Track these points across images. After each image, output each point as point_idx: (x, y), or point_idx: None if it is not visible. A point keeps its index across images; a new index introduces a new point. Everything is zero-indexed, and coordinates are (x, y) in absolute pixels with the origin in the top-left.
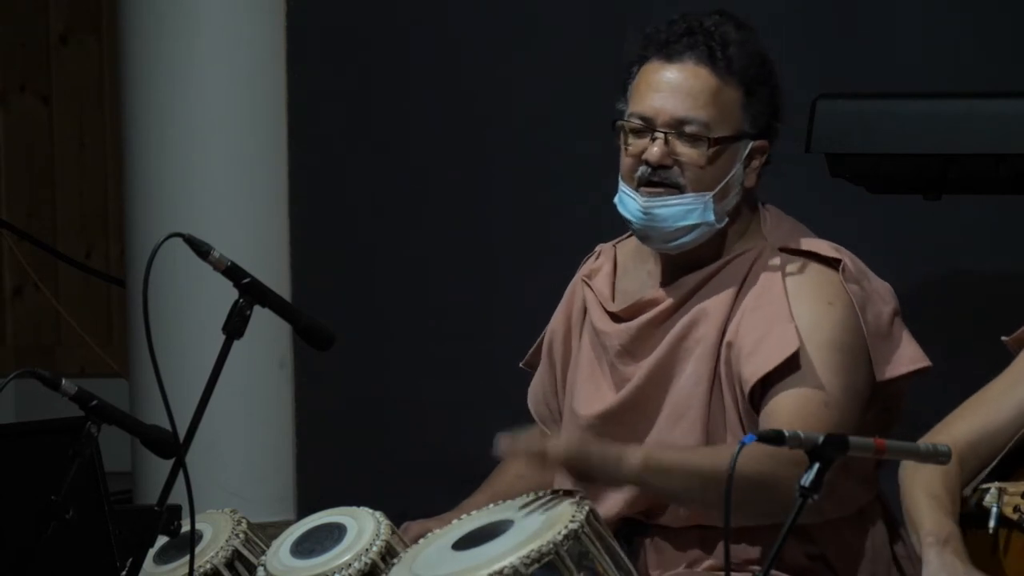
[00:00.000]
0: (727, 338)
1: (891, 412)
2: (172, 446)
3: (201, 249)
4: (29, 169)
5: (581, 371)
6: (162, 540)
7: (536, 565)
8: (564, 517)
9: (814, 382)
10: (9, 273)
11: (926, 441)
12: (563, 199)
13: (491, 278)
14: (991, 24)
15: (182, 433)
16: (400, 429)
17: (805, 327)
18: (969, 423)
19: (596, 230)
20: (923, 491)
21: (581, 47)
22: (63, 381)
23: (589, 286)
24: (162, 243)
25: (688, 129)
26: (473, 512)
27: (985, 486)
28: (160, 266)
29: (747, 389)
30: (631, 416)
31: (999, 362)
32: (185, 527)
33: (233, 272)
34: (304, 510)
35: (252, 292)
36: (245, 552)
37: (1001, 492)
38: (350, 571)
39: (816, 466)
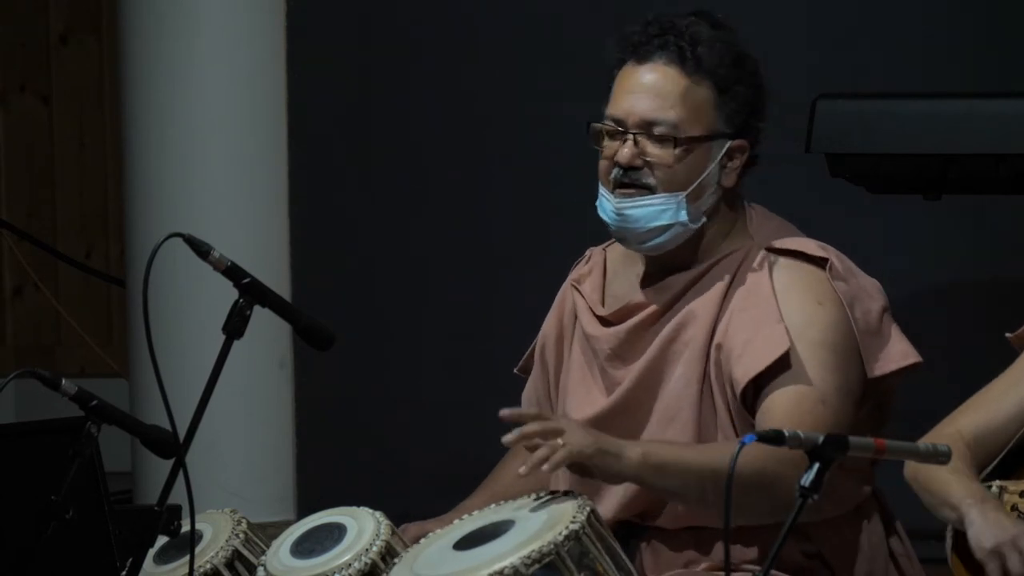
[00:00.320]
0: (716, 340)
1: (883, 409)
2: (172, 446)
3: (201, 249)
4: (29, 169)
5: (572, 375)
6: (162, 540)
7: (537, 565)
8: (565, 517)
9: (808, 381)
10: (9, 273)
11: (929, 439)
12: (563, 199)
13: (491, 278)
14: (991, 24)
15: (182, 433)
16: (400, 429)
17: (795, 327)
18: (971, 420)
19: (596, 230)
20: (944, 469)
21: (581, 47)
22: (63, 381)
23: (578, 291)
24: (162, 243)
25: (657, 130)
26: (474, 512)
27: (986, 484)
28: (160, 266)
29: (739, 390)
30: (622, 420)
31: (999, 362)
32: (185, 527)
33: (233, 272)
34: (304, 510)
35: (252, 292)
36: (245, 552)
37: (1002, 490)
38: (350, 571)
39: (816, 466)
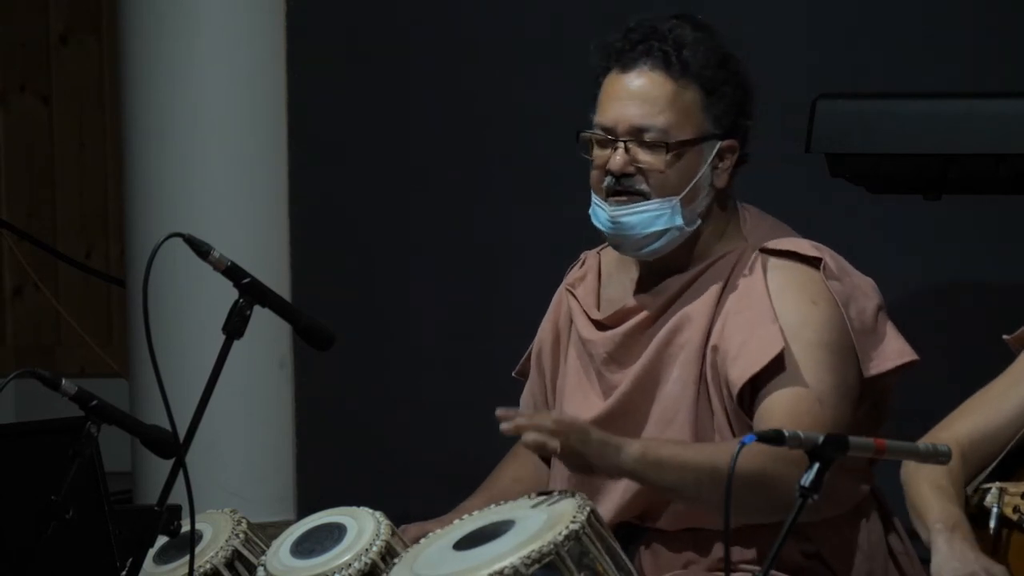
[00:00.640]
0: (712, 342)
1: (880, 408)
2: (172, 446)
3: (201, 249)
4: (29, 169)
5: (569, 380)
6: (162, 540)
7: (537, 565)
8: (565, 517)
9: (805, 381)
10: (9, 273)
11: (927, 440)
12: (563, 199)
13: (491, 278)
14: (991, 24)
15: (182, 433)
16: (400, 429)
17: (790, 327)
18: (970, 422)
19: (595, 230)
20: (928, 483)
21: (581, 47)
22: (63, 381)
23: (573, 295)
24: (162, 243)
25: (647, 136)
26: (474, 512)
27: (986, 486)
28: (160, 266)
29: (735, 392)
30: (620, 423)
31: (999, 362)
32: (185, 527)
33: (233, 272)
34: (304, 510)
35: (252, 292)
36: (245, 552)
37: (1002, 492)
38: (350, 571)
39: (816, 466)
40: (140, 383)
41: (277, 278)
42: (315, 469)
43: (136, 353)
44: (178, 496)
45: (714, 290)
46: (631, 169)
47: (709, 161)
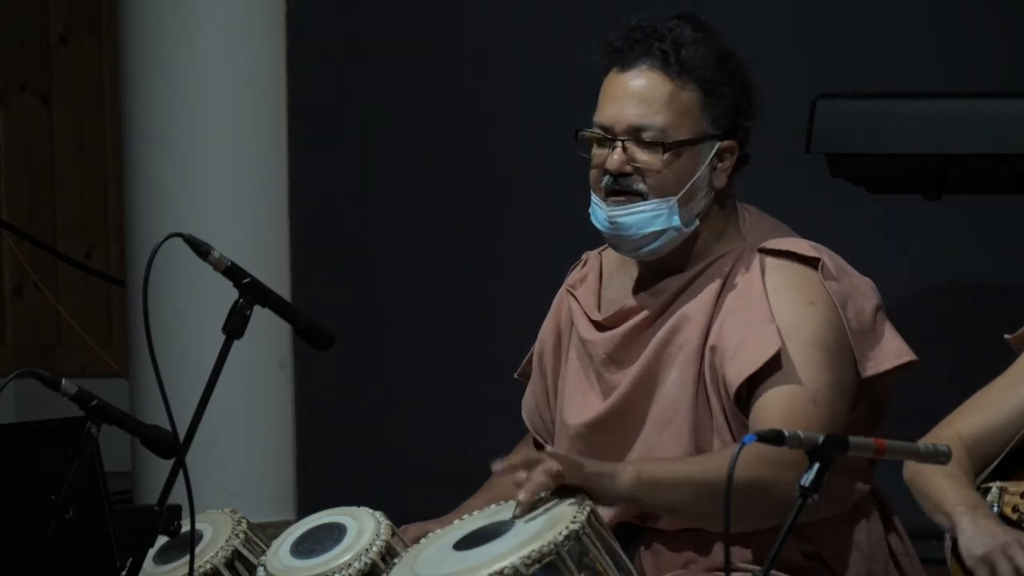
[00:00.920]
0: (710, 341)
1: (879, 408)
2: (172, 446)
3: (201, 249)
4: (29, 169)
5: (569, 381)
6: (162, 540)
7: (537, 565)
8: (565, 518)
9: (800, 381)
10: (9, 273)
11: (928, 439)
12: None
13: (491, 278)
14: (991, 24)
15: (182, 433)
16: (400, 429)
17: (787, 327)
18: (971, 421)
19: (596, 230)
20: (939, 472)
21: (581, 47)
22: (63, 381)
23: (574, 296)
24: (162, 243)
25: (645, 136)
26: (475, 512)
27: (986, 485)
28: (160, 266)
29: (732, 391)
30: (619, 424)
31: (1000, 362)
32: (185, 527)
33: (233, 272)
34: (304, 510)
35: (252, 292)
36: (245, 552)
37: (1002, 492)
38: (350, 571)
39: (816, 466)
40: (140, 383)
41: (277, 278)
42: (315, 469)
43: (136, 353)
44: (178, 496)
45: (713, 290)
46: (628, 168)
47: (707, 162)
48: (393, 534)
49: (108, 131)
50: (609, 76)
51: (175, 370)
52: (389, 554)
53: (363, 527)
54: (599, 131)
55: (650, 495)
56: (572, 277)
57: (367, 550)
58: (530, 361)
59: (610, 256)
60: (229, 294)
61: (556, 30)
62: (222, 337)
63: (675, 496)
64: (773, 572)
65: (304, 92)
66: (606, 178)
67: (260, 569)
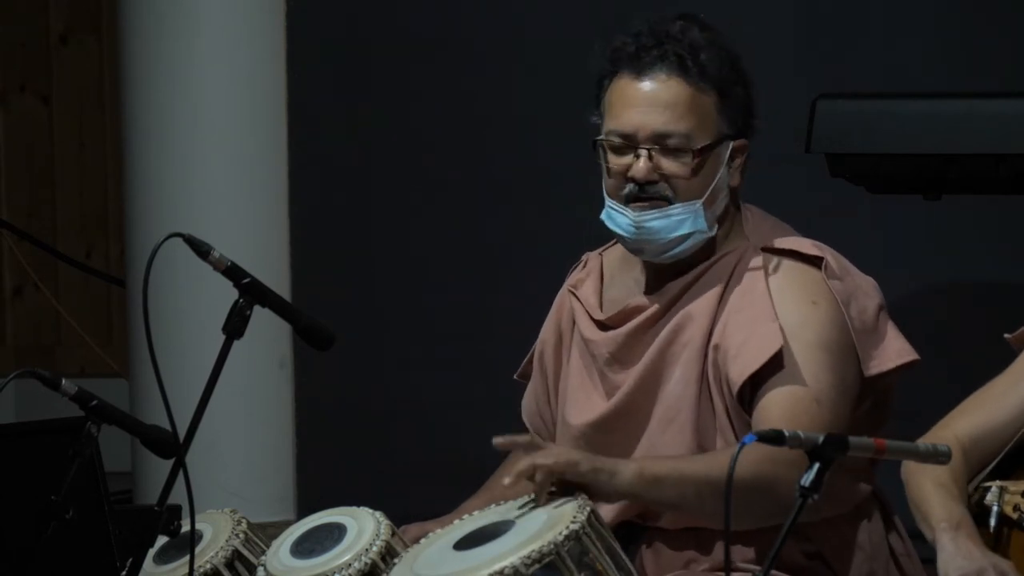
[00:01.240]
0: (713, 341)
1: (882, 408)
2: (172, 446)
3: (201, 249)
4: (29, 169)
5: (572, 381)
6: (162, 540)
7: (537, 565)
8: (565, 518)
9: (803, 380)
10: (9, 273)
11: (928, 438)
12: (563, 199)
13: (491, 278)
14: (991, 24)
15: (182, 433)
16: (400, 429)
17: (791, 326)
18: (971, 420)
19: (596, 230)
20: (931, 481)
21: (581, 47)
22: (63, 381)
23: (576, 296)
24: (162, 243)
25: (671, 143)
26: (475, 512)
27: (986, 484)
28: (160, 266)
29: (735, 390)
30: (622, 423)
31: (999, 361)
32: (185, 527)
33: (233, 272)
34: (304, 510)
35: (252, 292)
36: (245, 552)
37: (1002, 491)
38: (350, 571)
39: (816, 466)
40: (140, 383)
41: (277, 278)
42: (315, 469)
43: (136, 353)
44: (178, 496)
45: (716, 289)
46: (655, 176)
47: (725, 162)
48: (393, 534)
49: (108, 131)
50: (621, 82)
51: (175, 370)
52: (389, 554)
53: (363, 527)
54: (618, 139)
55: (651, 492)
56: (573, 277)
57: (367, 550)
58: (530, 362)
59: (611, 256)
60: (229, 294)
61: (556, 30)
62: (222, 337)
63: (676, 493)
64: (774, 572)
65: (304, 92)
66: (629, 186)
67: (260, 569)
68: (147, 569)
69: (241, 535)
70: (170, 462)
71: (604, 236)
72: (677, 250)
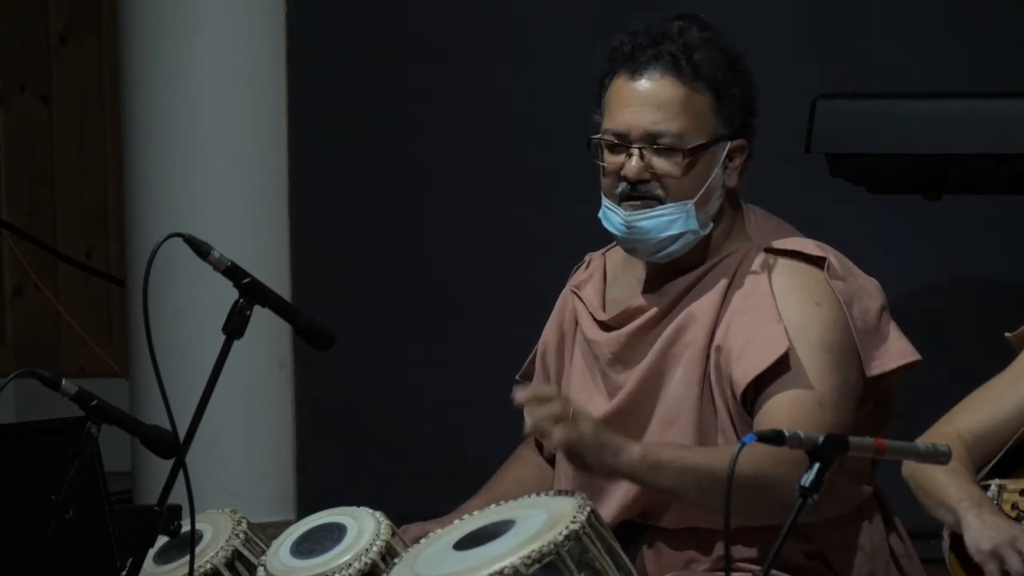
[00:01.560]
0: (716, 342)
1: (884, 409)
2: (172, 446)
3: (201, 249)
4: (29, 169)
5: (574, 381)
6: (162, 540)
7: (537, 565)
8: (565, 518)
9: (807, 382)
10: (9, 273)
11: (928, 436)
12: (563, 199)
13: (491, 278)
14: (991, 24)
15: (182, 433)
16: (400, 429)
17: (794, 328)
18: (971, 418)
19: (596, 231)
20: (939, 469)
21: (582, 47)
22: (63, 381)
23: (579, 296)
24: (162, 243)
25: (662, 142)
26: (475, 512)
27: (985, 483)
28: (160, 266)
29: (738, 392)
30: (624, 423)
31: (999, 361)
32: (185, 527)
33: (233, 272)
34: (304, 510)
35: (252, 292)
36: (245, 552)
37: (1001, 489)
38: (350, 571)
39: (816, 466)
40: (140, 383)
41: (277, 278)
42: (315, 469)
43: (136, 353)
44: (178, 496)
45: (719, 289)
46: (646, 175)
47: (720, 162)
48: (393, 534)
49: (108, 131)
50: (618, 82)
51: (175, 370)
52: (389, 554)
53: (363, 527)
54: (612, 138)
55: (651, 476)
56: (576, 278)
57: (367, 550)
58: (532, 362)
59: (614, 256)
60: (229, 294)
61: (556, 30)
62: (222, 337)
63: (676, 481)
64: (774, 572)
65: (304, 92)
66: (622, 184)
67: (260, 569)
68: (147, 569)
69: (241, 535)
70: (170, 462)
71: (604, 236)
72: (669, 250)
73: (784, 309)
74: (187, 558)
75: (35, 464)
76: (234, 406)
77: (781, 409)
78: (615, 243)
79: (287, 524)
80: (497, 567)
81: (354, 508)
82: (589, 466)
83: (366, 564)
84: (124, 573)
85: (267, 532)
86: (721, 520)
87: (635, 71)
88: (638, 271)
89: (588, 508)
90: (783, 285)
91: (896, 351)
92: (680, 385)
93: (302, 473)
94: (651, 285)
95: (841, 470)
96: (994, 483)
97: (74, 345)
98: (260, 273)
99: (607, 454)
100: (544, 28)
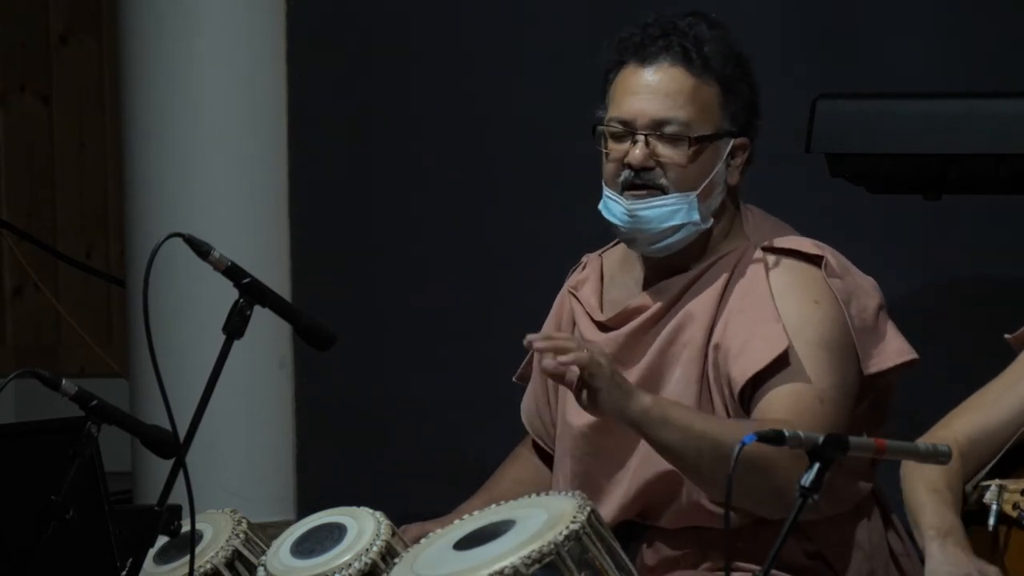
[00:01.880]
0: (714, 340)
1: (881, 407)
2: (172, 446)
3: (201, 249)
4: (29, 169)
5: None
6: (162, 540)
7: (537, 565)
8: (565, 518)
9: (805, 380)
10: (9, 273)
11: (926, 439)
12: (563, 199)
13: (491, 278)
14: (991, 24)
15: (182, 433)
16: (400, 429)
17: (792, 326)
18: (970, 420)
19: (596, 230)
20: (925, 486)
21: (582, 47)
22: (63, 381)
23: (576, 297)
24: (162, 243)
25: (668, 130)
26: (475, 512)
27: (985, 483)
28: (160, 266)
29: (737, 390)
30: (623, 423)
31: (999, 361)
32: (185, 527)
33: (233, 272)
34: (304, 510)
35: (252, 292)
36: (245, 552)
37: (1001, 489)
38: (350, 571)
39: (816, 466)
40: (140, 383)
41: (277, 278)
42: (315, 469)
43: (136, 353)
44: (178, 496)
45: (717, 288)
46: (651, 163)
47: (723, 158)
48: (393, 534)
49: (108, 131)
50: (626, 71)
51: (175, 370)
52: (389, 554)
53: (363, 527)
54: (618, 125)
55: (655, 428)
56: (573, 279)
57: (367, 550)
58: (529, 363)
59: (611, 257)
60: (229, 294)
61: (556, 30)
62: (222, 337)
63: (678, 439)
64: (774, 571)
65: (304, 92)
66: (625, 172)
67: (260, 569)
68: (147, 569)
69: (241, 535)
70: (170, 462)
71: (603, 237)
72: (669, 241)
73: (782, 307)
74: (187, 558)
75: (35, 464)
76: (234, 406)
77: (780, 406)
78: (612, 244)
79: (287, 524)
80: (497, 567)
81: (354, 508)
82: (600, 402)
83: (366, 564)
84: (124, 573)
85: (267, 532)
86: (711, 488)
87: (644, 60)
88: (636, 271)
89: (588, 508)
90: (781, 283)
91: (894, 349)
92: (679, 384)
93: (302, 473)
94: (649, 284)
95: (840, 469)
96: (994, 483)
97: (74, 345)
98: (260, 273)
99: (620, 394)
100: (544, 28)
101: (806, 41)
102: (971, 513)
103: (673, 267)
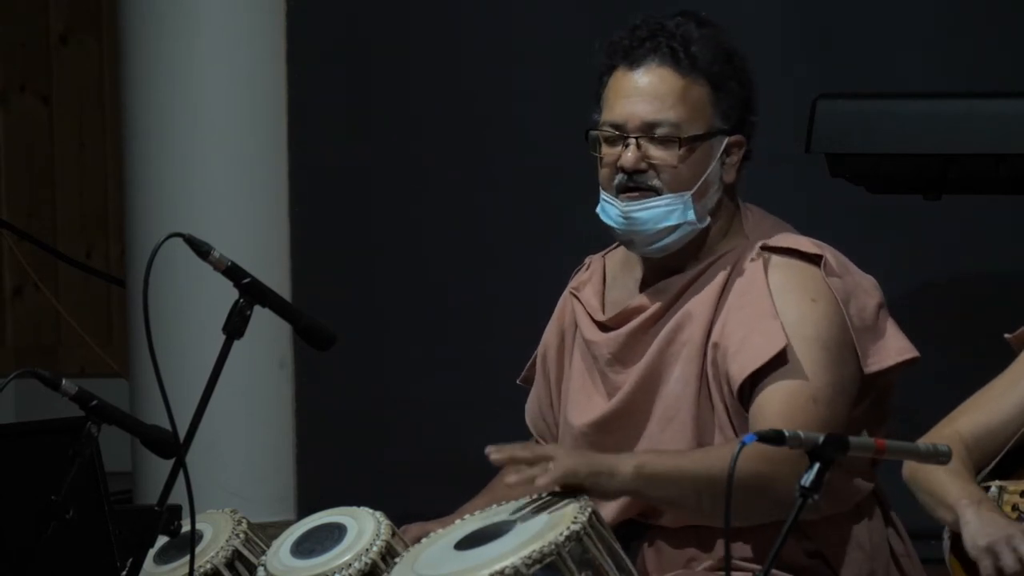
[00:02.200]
0: (713, 339)
1: (882, 406)
2: (172, 446)
3: (201, 249)
4: (29, 169)
5: (574, 382)
6: (162, 540)
7: (538, 566)
8: (566, 518)
9: (802, 378)
10: (9, 273)
11: (928, 438)
12: (563, 199)
13: (491, 279)
14: (991, 24)
15: (182, 433)
16: (400, 429)
17: (790, 324)
18: (971, 420)
19: (597, 230)
20: (940, 468)
21: (581, 47)
22: (63, 381)
23: (578, 298)
24: (162, 243)
25: (659, 132)
26: (476, 512)
27: (985, 485)
28: (160, 266)
29: (735, 388)
30: (623, 423)
31: (999, 361)
32: (185, 527)
33: (233, 272)
34: (304, 510)
35: (252, 292)
36: (245, 552)
37: (1001, 491)
38: (350, 571)
39: (816, 466)
40: (140, 383)
41: (277, 278)
42: (315, 469)
43: (136, 353)
44: (178, 496)
45: (715, 287)
46: (643, 165)
47: (718, 157)
48: (393, 534)
49: (108, 131)
50: (616, 75)
51: (175, 370)
52: (389, 554)
53: (363, 527)
54: (610, 129)
55: (649, 489)
56: (575, 279)
57: (367, 550)
58: (533, 366)
59: (613, 258)
60: (229, 294)
61: (556, 30)
62: (222, 337)
63: (675, 491)
64: (774, 571)
65: (304, 92)
66: (619, 176)
67: (260, 569)
68: (147, 569)
69: (241, 535)
70: (170, 462)
71: (604, 237)
72: (666, 241)
73: (781, 306)
74: (187, 558)
75: (35, 464)
76: (234, 406)
77: (774, 402)
78: (615, 245)
79: (287, 524)
80: (498, 567)
81: (354, 508)
82: (589, 495)
83: (366, 564)
84: (124, 573)
85: (267, 532)
86: (718, 519)
87: (633, 63)
88: (636, 271)
89: (589, 509)
90: (780, 282)
91: (894, 348)
92: (678, 383)
93: (302, 473)
94: (649, 284)
95: (840, 468)
96: (994, 484)
97: (74, 345)
98: (260, 273)
99: (604, 479)
100: (544, 28)
101: (806, 41)
102: None
103: (672, 267)
